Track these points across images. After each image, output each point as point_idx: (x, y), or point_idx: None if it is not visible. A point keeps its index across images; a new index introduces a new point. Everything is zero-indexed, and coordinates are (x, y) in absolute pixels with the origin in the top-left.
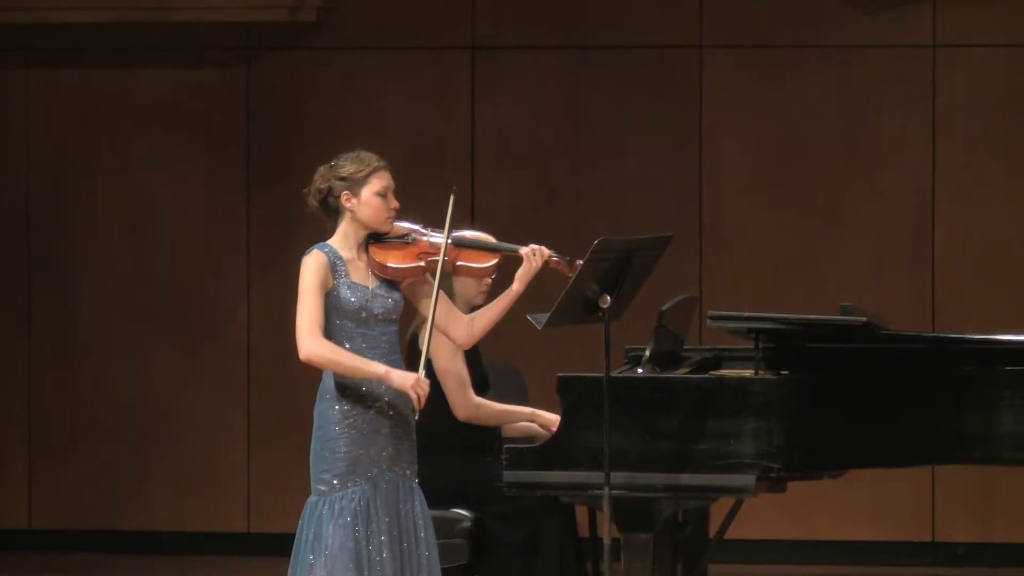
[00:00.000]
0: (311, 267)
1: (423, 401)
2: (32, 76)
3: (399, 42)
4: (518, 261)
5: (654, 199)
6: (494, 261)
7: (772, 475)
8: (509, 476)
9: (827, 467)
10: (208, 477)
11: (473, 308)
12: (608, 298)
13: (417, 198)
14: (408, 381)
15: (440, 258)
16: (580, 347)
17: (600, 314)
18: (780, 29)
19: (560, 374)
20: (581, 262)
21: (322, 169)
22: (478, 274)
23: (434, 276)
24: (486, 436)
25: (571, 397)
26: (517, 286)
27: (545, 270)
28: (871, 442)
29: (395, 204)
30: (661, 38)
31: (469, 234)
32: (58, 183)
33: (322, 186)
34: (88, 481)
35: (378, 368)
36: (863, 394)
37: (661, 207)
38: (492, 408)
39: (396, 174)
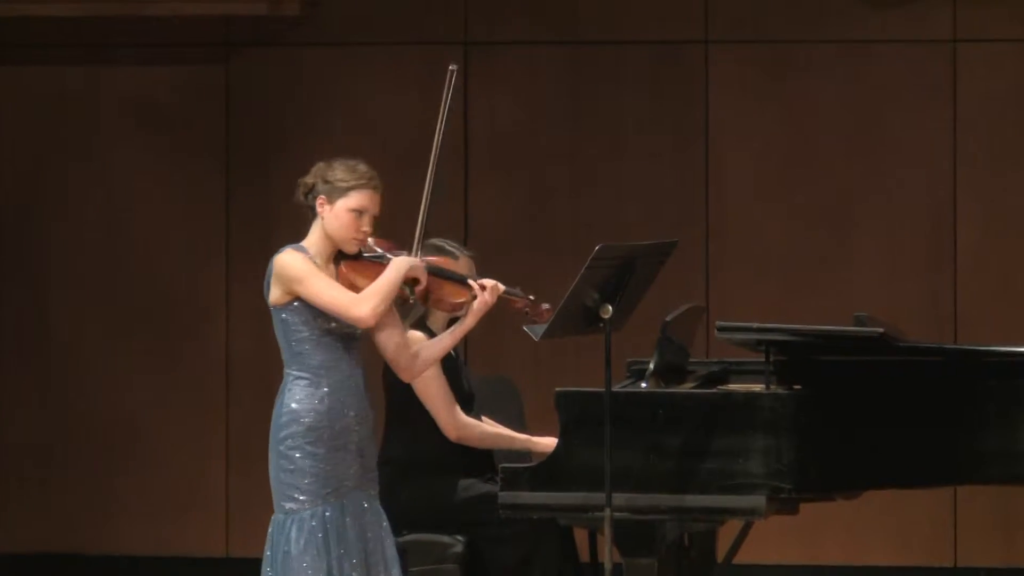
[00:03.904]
0: (298, 256)
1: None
2: (1, 73)
3: (387, 37)
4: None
5: (657, 203)
6: (467, 296)
7: (783, 496)
8: (504, 497)
9: (841, 487)
10: (185, 497)
11: (452, 322)
12: (609, 308)
13: (406, 202)
14: (413, 266)
15: (415, 245)
16: (579, 360)
17: (601, 325)
18: (790, 23)
19: (558, 389)
20: (547, 307)
21: (319, 164)
22: (449, 308)
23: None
24: (478, 456)
25: (570, 413)
26: (470, 321)
27: (508, 310)
28: (887, 461)
29: (366, 228)
30: (664, 33)
31: (443, 263)
32: (28, 187)
33: (310, 181)
34: (59, 502)
35: (398, 267)
36: (879, 410)
37: (664, 211)
38: (484, 430)
39: (384, 176)
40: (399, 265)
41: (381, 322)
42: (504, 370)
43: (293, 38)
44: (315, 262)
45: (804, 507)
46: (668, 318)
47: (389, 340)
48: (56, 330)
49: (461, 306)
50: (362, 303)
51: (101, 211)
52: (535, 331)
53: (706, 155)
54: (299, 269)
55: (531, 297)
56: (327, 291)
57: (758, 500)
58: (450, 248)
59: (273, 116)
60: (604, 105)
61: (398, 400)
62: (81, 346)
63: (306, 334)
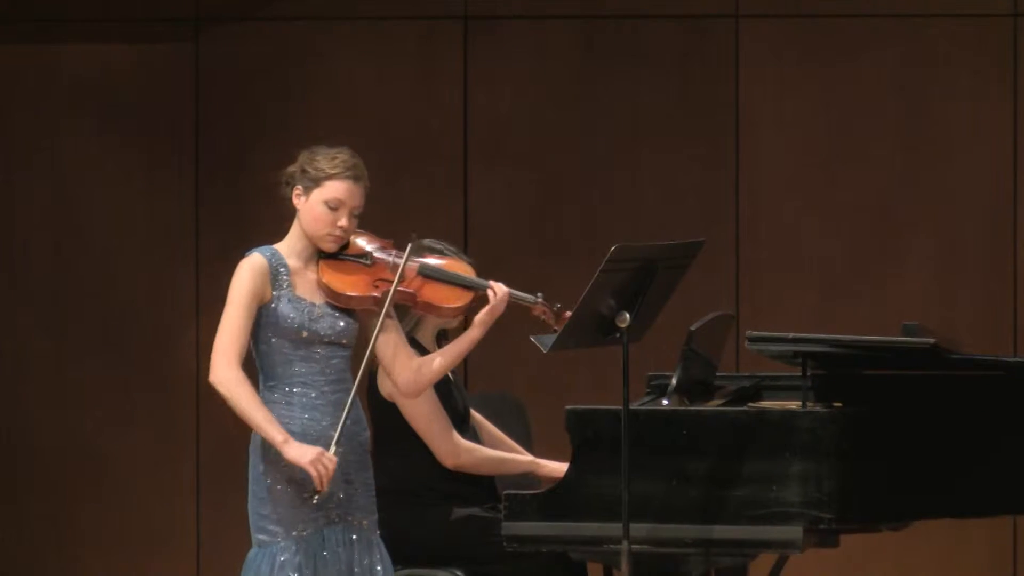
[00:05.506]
0: (245, 274)
1: (324, 482)
2: None
3: (378, 11)
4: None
5: (680, 199)
6: (466, 301)
7: (822, 527)
8: (509, 528)
9: (887, 518)
10: (152, 530)
11: (443, 332)
12: (627, 316)
13: (397, 200)
14: (306, 456)
15: (390, 293)
16: (593, 375)
17: (617, 335)
18: None
19: (569, 407)
20: (570, 314)
21: (303, 152)
22: (444, 314)
23: (382, 308)
24: (478, 481)
25: (582, 434)
26: (476, 332)
27: (526, 316)
28: (940, 488)
29: (343, 223)
30: (689, 6)
31: (438, 263)
32: None
33: (291, 169)
34: (9, 537)
35: (276, 435)
36: (930, 431)
37: (689, 208)
38: (484, 454)
39: (372, 168)
40: (286, 449)
41: (383, 328)
42: (508, 386)
43: (272, 12)
44: (279, 270)
45: (846, 539)
46: (693, 327)
47: (386, 348)
48: (2, 347)
49: (461, 312)
50: (220, 369)
51: (52, 208)
52: (544, 342)
53: (736, 145)
54: (232, 289)
55: (557, 305)
56: (221, 327)
57: (794, 532)
58: (448, 253)
59: (249, 100)
60: (621, 88)
61: (384, 421)
62: (31, 363)
63: (274, 343)
